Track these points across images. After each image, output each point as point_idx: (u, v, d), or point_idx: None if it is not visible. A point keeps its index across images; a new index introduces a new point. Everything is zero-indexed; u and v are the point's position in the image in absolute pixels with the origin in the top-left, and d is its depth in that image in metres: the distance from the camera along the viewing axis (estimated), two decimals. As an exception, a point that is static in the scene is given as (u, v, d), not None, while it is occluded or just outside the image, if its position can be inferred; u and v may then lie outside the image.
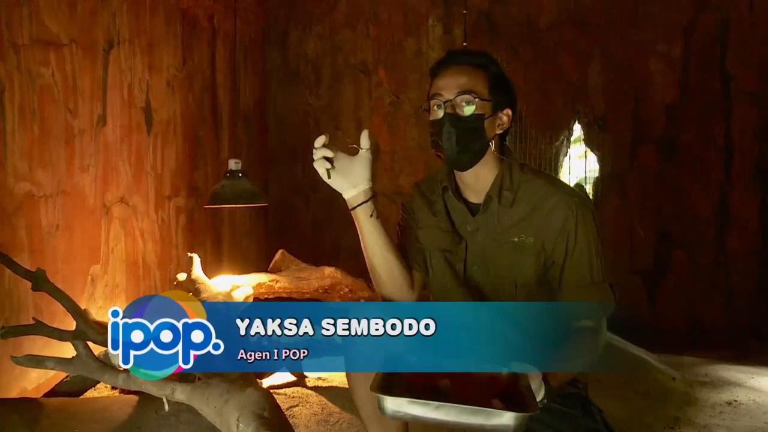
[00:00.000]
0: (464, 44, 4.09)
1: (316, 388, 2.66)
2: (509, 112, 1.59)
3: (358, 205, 1.52)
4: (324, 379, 2.82)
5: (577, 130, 4.28)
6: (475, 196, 1.62)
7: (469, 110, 1.53)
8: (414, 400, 1.24)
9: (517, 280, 1.57)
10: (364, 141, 1.52)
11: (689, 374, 2.97)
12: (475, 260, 1.59)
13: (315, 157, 1.50)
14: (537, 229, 1.54)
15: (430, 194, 1.68)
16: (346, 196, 1.52)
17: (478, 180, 1.58)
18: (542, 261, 1.55)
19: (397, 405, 1.23)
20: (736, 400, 2.62)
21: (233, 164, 3.31)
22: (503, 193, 1.55)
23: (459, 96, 1.53)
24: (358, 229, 1.55)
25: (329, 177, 1.50)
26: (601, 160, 4.20)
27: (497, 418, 1.21)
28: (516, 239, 1.55)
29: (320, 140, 1.51)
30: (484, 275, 1.60)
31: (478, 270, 1.60)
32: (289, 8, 4.83)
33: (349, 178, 1.51)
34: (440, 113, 1.54)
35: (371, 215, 1.53)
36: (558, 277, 1.56)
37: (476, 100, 1.52)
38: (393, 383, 1.30)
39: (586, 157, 4.40)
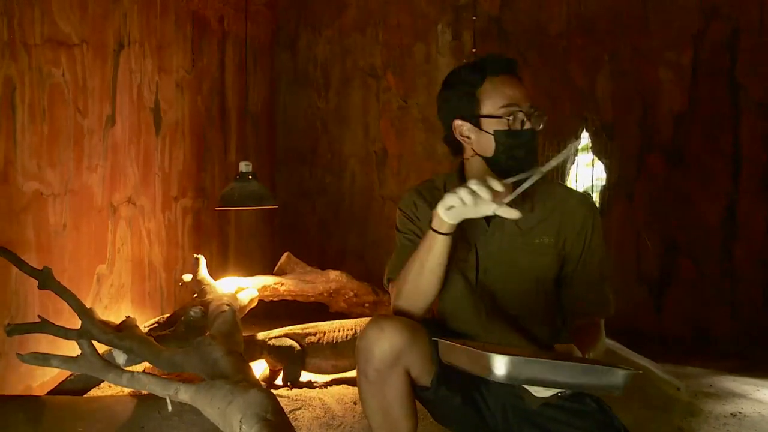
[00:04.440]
0: (473, 50, 4.09)
1: (319, 392, 2.66)
2: None
3: (451, 233, 1.48)
4: (327, 383, 2.82)
5: (585, 137, 4.27)
6: None
7: (539, 123, 1.56)
8: (531, 359, 1.22)
9: (537, 280, 1.61)
10: (509, 212, 1.39)
11: (694, 385, 2.95)
12: (489, 266, 1.61)
13: (491, 186, 1.37)
14: (557, 230, 1.59)
15: (433, 202, 1.68)
16: (454, 222, 1.45)
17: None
18: (561, 260, 1.61)
19: (515, 365, 1.19)
20: (740, 412, 2.60)
21: (243, 166, 3.32)
22: (525, 198, 1.55)
23: (532, 109, 1.55)
24: (430, 249, 1.49)
25: (472, 202, 1.38)
26: (608, 168, 4.19)
27: (610, 377, 1.22)
28: (537, 241, 1.59)
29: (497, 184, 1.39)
30: (499, 280, 1.62)
31: (493, 275, 1.61)
32: (299, 11, 4.84)
33: (472, 212, 1.42)
34: (516, 124, 1.53)
35: (452, 245, 1.51)
36: (570, 273, 1.62)
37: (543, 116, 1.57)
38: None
39: (593, 165, 4.39)
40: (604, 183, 4.24)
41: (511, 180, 1.42)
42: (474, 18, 4.19)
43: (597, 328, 1.59)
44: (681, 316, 3.96)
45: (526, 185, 1.39)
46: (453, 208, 1.41)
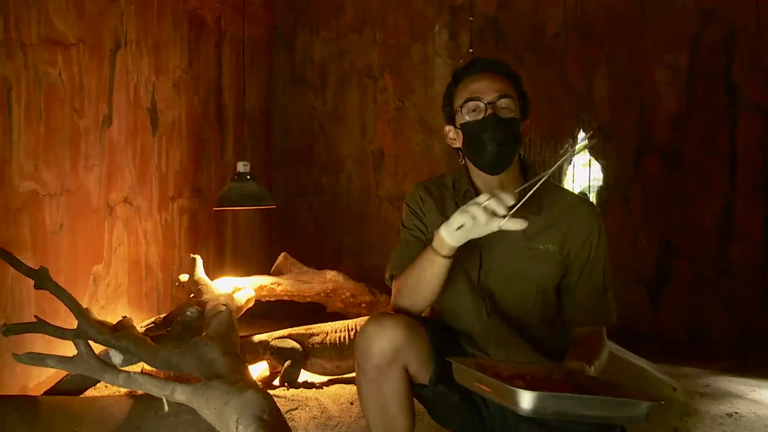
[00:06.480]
0: (470, 51, 4.09)
1: (315, 392, 2.66)
2: (527, 123, 1.65)
3: (452, 256, 1.45)
4: (324, 383, 2.81)
5: (583, 137, 4.28)
6: None
7: (509, 113, 1.55)
8: (559, 394, 1.22)
9: (538, 285, 1.61)
10: (515, 223, 1.36)
11: (690, 385, 2.95)
12: (491, 267, 1.60)
13: (503, 201, 1.34)
14: (562, 237, 1.58)
15: (440, 198, 1.69)
16: (458, 245, 1.42)
17: (504, 186, 1.58)
18: (563, 268, 1.60)
19: (541, 400, 1.18)
20: (736, 412, 2.61)
21: (241, 166, 3.32)
22: (532, 201, 1.51)
23: (501, 99, 1.54)
24: (428, 268, 1.48)
25: (485, 219, 1.35)
26: (605, 169, 4.19)
27: (635, 409, 1.22)
28: (541, 246, 1.58)
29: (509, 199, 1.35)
30: (500, 281, 1.61)
31: (494, 276, 1.61)
32: (296, 12, 4.84)
33: (481, 231, 1.38)
34: (480, 115, 1.54)
35: (454, 262, 1.48)
36: (574, 282, 1.62)
37: (516, 104, 1.56)
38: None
39: (590, 165, 4.40)
40: (600, 183, 4.25)
41: (518, 189, 1.39)
42: (471, 18, 4.19)
43: (599, 337, 1.59)
44: (677, 317, 3.96)
45: (531, 192, 1.38)
46: (462, 228, 1.36)
